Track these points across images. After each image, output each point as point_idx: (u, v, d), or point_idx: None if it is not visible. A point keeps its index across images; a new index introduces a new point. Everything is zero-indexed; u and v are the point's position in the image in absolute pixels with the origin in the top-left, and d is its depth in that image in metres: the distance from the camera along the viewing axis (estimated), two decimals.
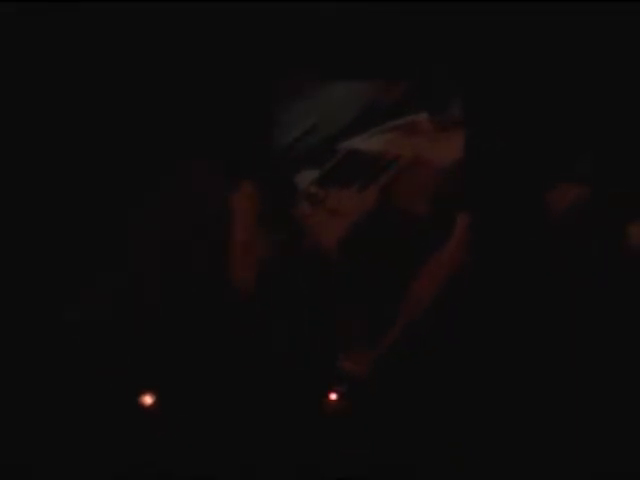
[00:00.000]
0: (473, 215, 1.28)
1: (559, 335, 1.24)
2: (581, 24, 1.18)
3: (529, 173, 1.30)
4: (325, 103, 1.92)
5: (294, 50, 1.36)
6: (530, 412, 1.16)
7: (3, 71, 1.71)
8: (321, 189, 1.66)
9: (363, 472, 1.15)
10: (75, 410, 1.29)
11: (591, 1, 1.16)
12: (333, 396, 1.23)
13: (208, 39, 1.42)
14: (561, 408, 1.16)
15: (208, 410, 1.26)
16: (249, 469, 1.18)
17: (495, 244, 1.29)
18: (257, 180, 1.49)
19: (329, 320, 1.34)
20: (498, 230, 1.29)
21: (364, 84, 1.86)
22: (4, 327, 1.44)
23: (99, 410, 1.28)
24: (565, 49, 1.19)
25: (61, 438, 1.26)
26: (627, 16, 1.17)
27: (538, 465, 1.10)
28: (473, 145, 1.30)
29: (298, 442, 1.19)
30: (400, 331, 1.26)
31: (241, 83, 1.46)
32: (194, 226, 1.64)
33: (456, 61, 1.23)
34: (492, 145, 1.27)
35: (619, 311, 1.26)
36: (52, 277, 1.57)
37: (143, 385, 1.31)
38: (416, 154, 1.70)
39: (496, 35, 1.16)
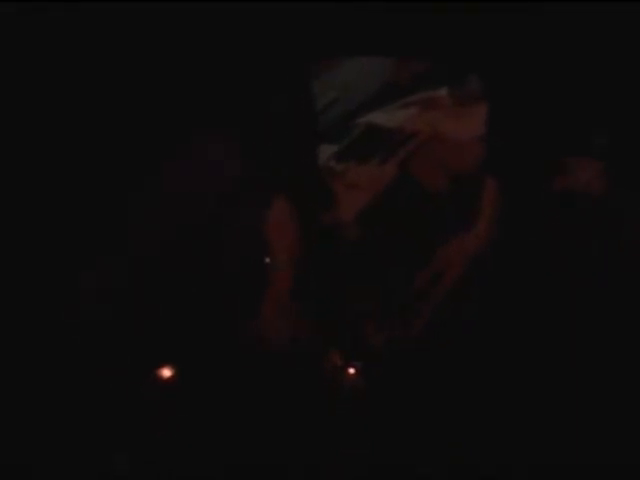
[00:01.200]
0: (498, 188, 1.27)
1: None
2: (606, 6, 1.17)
3: (550, 146, 1.29)
4: (344, 78, 1.91)
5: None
6: (538, 410, 1.15)
7: (3, 71, 1.70)
8: (340, 163, 1.66)
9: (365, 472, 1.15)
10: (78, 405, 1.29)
11: None
12: (351, 370, 1.23)
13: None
14: (566, 406, 1.15)
15: (213, 403, 1.25)
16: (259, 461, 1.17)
17: (519, 219, 1.29)
18: (293, 194, 1.37)
19: (346, 293, 1.34)
20: (521, 204, 1.29)
21: (383, 59, 1.85)
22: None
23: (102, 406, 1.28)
24: (586, 24, 1.18)
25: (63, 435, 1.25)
26: None
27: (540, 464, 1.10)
28: (495, 118, 1.29)
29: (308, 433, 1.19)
30: (421, 307, 1.26)
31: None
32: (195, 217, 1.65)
33: (476, 40, 1.22)
34: (514, 117, 1.26)
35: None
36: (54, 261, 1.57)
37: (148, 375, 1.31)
38: (435, 129, 1.70)
39: (517, 11, 1.15)
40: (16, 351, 1.36)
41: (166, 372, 1.28)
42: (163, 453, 1.18)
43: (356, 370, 1.23)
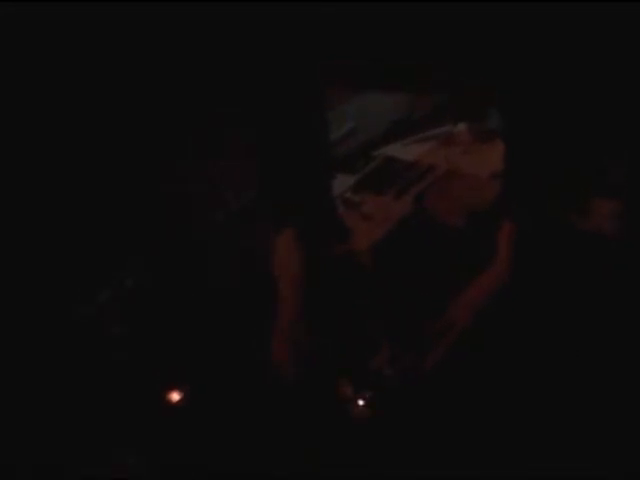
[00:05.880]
0: (513, 227, 1.27)
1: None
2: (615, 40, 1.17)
3: (567, 183, 1.29)
4: (363, 109, 1.92)
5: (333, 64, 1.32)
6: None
7: (3, 71, 1.72)
8: (357, 194, 1.66)
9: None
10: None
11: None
12: (360, 401, 1.23)
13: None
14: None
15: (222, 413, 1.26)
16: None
17: (534, 257, 1.29)
18: (303, 224, 1.36)
19: (360, 322, 1.34)
20: (537, 243, 1.29)
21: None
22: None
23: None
24: (600, 59, 1.18)
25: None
26: None
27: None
28: (512, 157, 1.30)
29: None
30: (435, 343, 1.25)
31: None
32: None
33: (493, 74, 1.22)
34: (531, 157, 1.26)
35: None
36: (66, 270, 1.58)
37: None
38: (452, 165, 1.70)
39: (533, 46, 1.15)
40: (29, 359, 1.37)
41: (176, 395, 1.28)
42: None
43: (365, 401, 1.22)
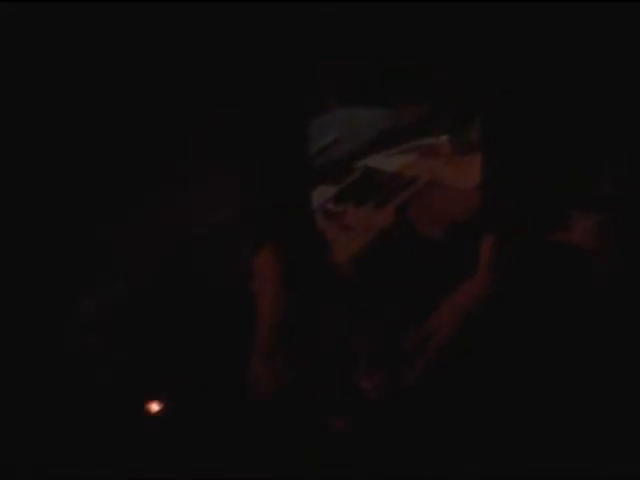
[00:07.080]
0: (494, 240, 1.27)
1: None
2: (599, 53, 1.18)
3: (549, 197, 1.29)
4: (345, 120, 1.92)
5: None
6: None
7: (3, 71, 1.71)
8: (338, 205, 1.65)
9: None
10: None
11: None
12: (340, 415, 1.22)
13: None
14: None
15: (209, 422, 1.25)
16: None
17: (515, 270, 1.29)
18: (283, 238, 1.36)
19: (340, 335, 1.33)
20: (518, 254, 1.29)
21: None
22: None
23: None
24: (584, 72, 1.18)
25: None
26: None
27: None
28: (491, 170, 1.30)
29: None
30: (416, 356, 1.25)
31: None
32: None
33: (474, 84, 1.22)
34: (510, 169, 1.26)
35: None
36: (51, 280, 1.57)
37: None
38: (433, 177, 1.70)
39: (515, 59, 1.15)
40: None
41: (155, 406, 1.27)
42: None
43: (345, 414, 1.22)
